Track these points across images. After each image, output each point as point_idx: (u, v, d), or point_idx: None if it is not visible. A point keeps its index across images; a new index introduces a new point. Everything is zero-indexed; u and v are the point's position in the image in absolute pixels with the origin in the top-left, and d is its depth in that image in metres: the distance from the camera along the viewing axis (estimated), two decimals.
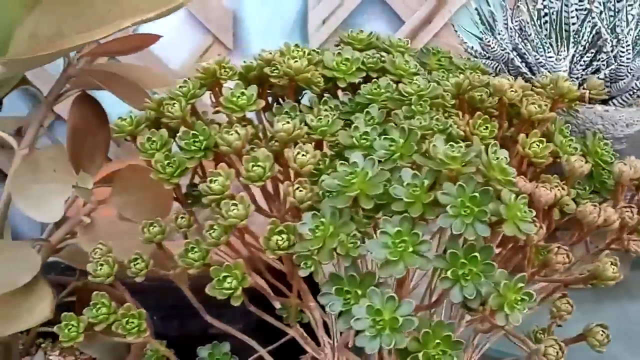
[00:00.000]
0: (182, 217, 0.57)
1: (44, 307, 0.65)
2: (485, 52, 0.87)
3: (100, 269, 0.56)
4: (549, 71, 0.82)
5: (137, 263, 0.55)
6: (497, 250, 0.56)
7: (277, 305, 0.63)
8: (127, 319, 0.55)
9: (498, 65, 0.86)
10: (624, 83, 0.81)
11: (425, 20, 1.41)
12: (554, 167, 0.59)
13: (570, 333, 0.63)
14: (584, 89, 0.72)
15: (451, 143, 0.48)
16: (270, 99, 0.64)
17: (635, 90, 0.82)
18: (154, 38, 0.72)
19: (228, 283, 0.51)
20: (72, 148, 0.69)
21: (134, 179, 0.67)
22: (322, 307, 0.62)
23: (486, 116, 0.55)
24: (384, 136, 0.51)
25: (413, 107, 0.54)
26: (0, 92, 0.70)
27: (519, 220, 0.46)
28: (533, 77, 0.83)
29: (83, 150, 0.70)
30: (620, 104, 0.82)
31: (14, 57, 0.63)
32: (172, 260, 0.56)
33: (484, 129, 0.55)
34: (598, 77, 0.81)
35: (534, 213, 0.46)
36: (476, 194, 0.46)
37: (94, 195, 0.69)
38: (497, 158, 0.48)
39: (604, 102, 0.84)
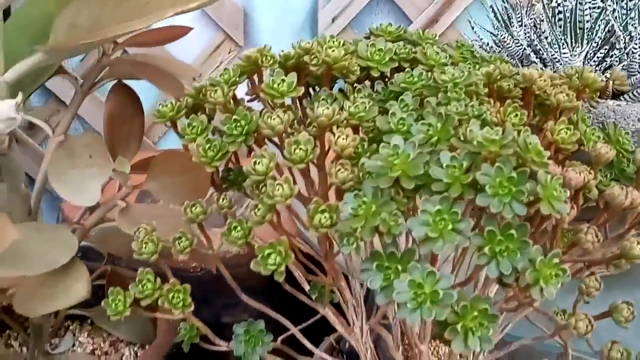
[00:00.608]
0: (223, 199, 0.59)
1: (80, 287, 0.67)
2: (499, 48, 0.90)
3: (145, 247, 0.58)
4: (563, 66, 0.84)
5: (181, 241, 0.58)
6: None
7: (306, 286, 0.65)
8: (172, 293, 0.57)
9: (513, 61, 0.89)
10: (636, 79, 0.84)
11: (432, 19, 1.44)
12: (576, 155, 0.62)
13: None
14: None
15: (488, 127, 0.50)
16: (303, 87, 0.67)
17: None
18: (187, 30, 0.75)
19: (272, 259, 0.53)
20: (109, 134, 0.71)
21: (169, 164, 0.69)
22: (350, 288, 0.65)
23: (516, 104, 0.58)
24: (421, 121, 0.54)
25: (449, 94, 0.56)
26: (39, 79, 0.72)
27: (555, 200, 0.49)
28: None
29: (119, 137, 0.72)
30: (632, 99, 0.85)
31: (55, 45, 0.66)
32: (209, 242, 0.59)
33: (514, 116, 0.58)
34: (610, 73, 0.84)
35: (568, 193, 0.49)
36: (514, 175, 0.48)
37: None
38: (532, 139, 0.51)
39: (616, 97, 0.87)
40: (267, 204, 0.53)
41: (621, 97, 0.87)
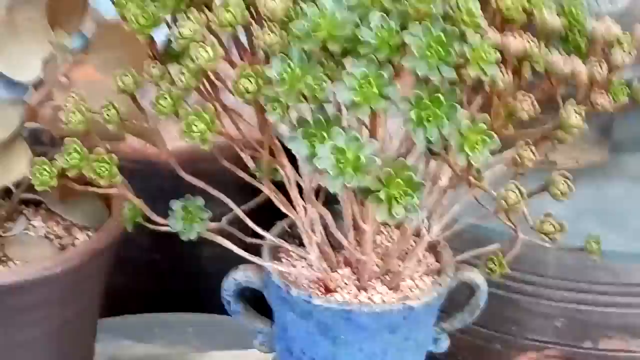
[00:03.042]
0: (153, 67, 0.57)
1: (21, 165, 0.66)
2: None
3: (73, 116, 0.56)
4: None
5: (109, 109, 0.56)
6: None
7: (251, 163, 0.63)
8: (98, 163, 0.56)
9: None
10: None
11: None
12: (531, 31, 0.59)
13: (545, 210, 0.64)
14: None
15: None
16: None
17: None
18: None
19: (196, 126, 0.52)
20: (49, 6, 0.69)
21: (111, 37, 0.67)
22: (296, 168, 0.63)
23: None
24: None
25: None
26: None
27: (484, 63, 0.47)
28: None
29: (60, 9, 0.69)
30: None
31: None
32: (144, 114, 0.57)
33: None
34: None
35: (498, 56, 0.47)
36: (441, 35, 0.46)
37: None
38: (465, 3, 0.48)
39: None
40: (192, 69, 0.51)
41: None
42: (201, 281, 0.98)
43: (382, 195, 0.47)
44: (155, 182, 0.93)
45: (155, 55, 0.62)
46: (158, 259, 1.08)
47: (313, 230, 0.65)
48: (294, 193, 0.63)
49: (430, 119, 0.47)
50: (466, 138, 0.47)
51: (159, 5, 0.56)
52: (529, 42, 0.53)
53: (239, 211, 0.64)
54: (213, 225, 0.65)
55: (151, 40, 0.59)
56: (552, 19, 0.53)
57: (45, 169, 0.57)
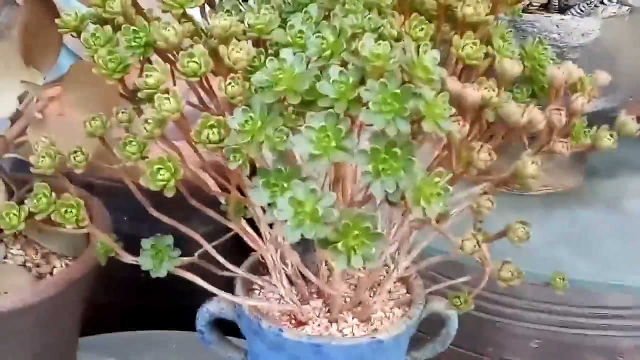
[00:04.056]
0: (123, 112, 0.58)
1: None
2: None
3: (42, 161, 0.57)
4: None
5: (77, 156, 0.57)
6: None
7: (222, 200, 0.64)
8: (65, 208, 0.57)
9: None
10: None
11: None
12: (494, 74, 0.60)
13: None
14: None
15: (379, 42, 0.49)
16: None
17: (592, 0, 0.82)
18: None
19: (161, 175, 0.53)
20: (24, 44, 0.70)
21: (84, 75, 0.67)
22: None
23: (422, 18, 0.56)
24: (316, 34, 0.52)
25: (347, 6, 0.55)
26: None
27: (439, 118, 0.47)
28: None
29: (35, 46, 0.70)
30: (578, 13, 0.83)
31: None
32: (113, 156, 0.58)
33: (419, 30, 0.56)
34: None
35: (454, 111, 0.48)
36: (397, 91, 0.47)
37: (46, 92, 0.70)
38: (422, 55, 0.49)
39: (562, 11, 0.84)
40: (156, 119, 0.52)
41: (567, 12, 0.84)
42: (185, 299, 0.98)
43: (340, 246, 0.48)
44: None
45: (127, 97, 0.64)
46: (142, 276, 1.08)
47: (285, 264, 0.66)
48: (263, 230, 0.65)
49: (388, 172, 0.48)
50: (422, 192, 0.47)
51: (127, 51, 0.57)
52: (488, 89, 0.53)
53: (209, 248, 0.65)
54: (186, 260, 0.66)
55: (122, 83, 0.60)
56: (511, 67, 0.54)
57: (14, 214, 0.57)
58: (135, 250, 0.68)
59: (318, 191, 0.48)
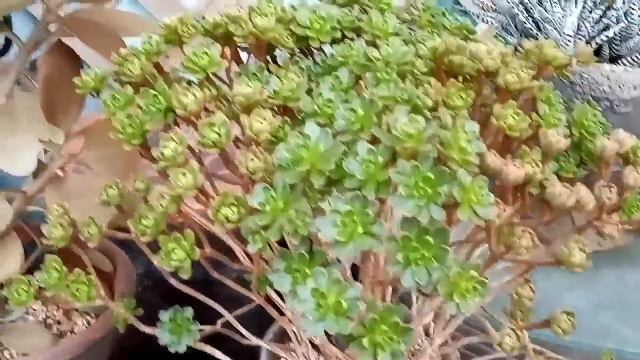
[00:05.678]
0: (141, 181, 0.55)
1: (12, 262, 0.64)
2: (493, 5, 0.83)
3: (54, 231, 0.54)
4: (555, 28, 0.77)
5: (90, 228, 0.53)
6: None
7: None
8: (76, 285, 0.54)
9: (505, 20, 0.82)
10: (634, 42, 0.76)
11: None
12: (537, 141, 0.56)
13: (562, 302, 0.60)
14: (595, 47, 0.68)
15: (412, 117, 0.45)
16: (246, 55, 0.61)
17: None
18: None
19: (176, 255, 0.49)
20: (46, 99, 0.67)
21: (106, 133, 0.64)
22: None
23: (461, 84, 0.52)
24: (345, 105, 0.48)
25: (379, 74, 0.51)
26: None
27: (476, 204, 0.43)
28: (539, 32, 0.79)
29: (57, 101, 0.68)
30: (629, 63, 0.78)
31: None
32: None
33: (457, 97, 0.52)
34: (607, 35, 0.76)
35: (492, 198, 0.43)
36: (431, 175, 0.43)
37: (69, 148, 0.68)
38: (461, 133, 0.45)
39: (613, 61, 0.79)
40: (171, 195, 0.49)
41: (618, 62, 0.79)
42: None
43: (365, 341, 0.44)
44: None
45: (148, 158, 0.60)
46: None
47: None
48: (286, 304, 0.61)
49: (419, 262, 0.43)
50: (456, 285, 0.43)
51: (146, 117, 0.53)
52: (531, 163, 0.49)
53: (231, 319, 0.62)
54: (208, 328, 0.62)
55: (142, 145, 0.57)
56: (557, 141, 0.50)
57: (23, 289, 0.54)
58: (163, 295, 0.65)
59: (342, 281, 0.44)
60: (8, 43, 1.22)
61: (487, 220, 0.45)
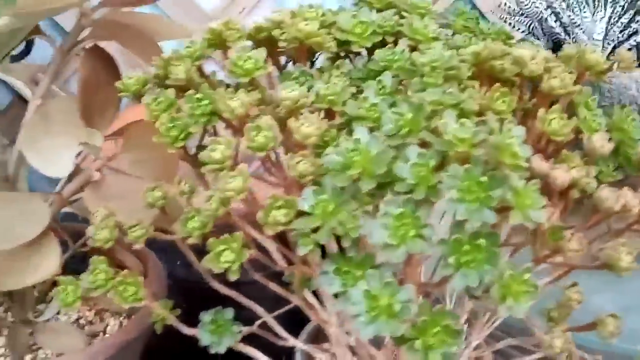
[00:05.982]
0: (185, 183, 0.55)
1: (50, 264, 0.65)
2: (520, 9, 0.83)
3: (100, 233, 0.54)
4: (584, 32, 0.78)
5: (136, 230, 0.54)
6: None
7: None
8: (123, 286, 0.54)
9: (532, 23, 0.82)
10: None
11: None
12: (579, 142, 0.56)
13: (589, 304, 0.60)
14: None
15: (462, 121, 0.45)
16: (285, 59, 0.62)
17: None
18: None
19: (225, 257, 0.49)
20: (83, 102, 0.68)
21: (143, 136, 0.65)
22: None
23: (504, 88, 0.52)
24: (393, 109, 0.49)
25: (425, 79, 0.51)
26: (12, 43, 0.68)
27: (530, 208, 0.43)
28: (567, 37, 0.80)
29: (94, 104, 0.68)
30: None
31: (21, 9, 0.61)
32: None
33: (501, 102, 0.52)
34: (635, 40, 0.77)
35: (544, 202, 0.44)
36: (483, 179, 0.43)
37: (105, 149, 0.68)
38: (510, 138, 0.45)
39: None
40: (219, 198, 0.49)
41: None
42: None
43: (417, 344, 0.44)
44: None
45: (188, 161, 0.61)
46: None
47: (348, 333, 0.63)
48: (328, 305, 0.61)
49: (471, 265, 0.44)
50: (509, 288, 0.44)
51: (189, 121, 0.54)
52: (577, 167, 0.50)
53: (269, 319, 0.62)
54: (245, 329, 0.63)
55: (183, 148, 0.57)
56: (601, 145, 0.50)
57: (70, 290, 0.55)
58: (185, 295, 0.66)
59: (394, 283, 0.44)
60: (29, 44, 1.23)
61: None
